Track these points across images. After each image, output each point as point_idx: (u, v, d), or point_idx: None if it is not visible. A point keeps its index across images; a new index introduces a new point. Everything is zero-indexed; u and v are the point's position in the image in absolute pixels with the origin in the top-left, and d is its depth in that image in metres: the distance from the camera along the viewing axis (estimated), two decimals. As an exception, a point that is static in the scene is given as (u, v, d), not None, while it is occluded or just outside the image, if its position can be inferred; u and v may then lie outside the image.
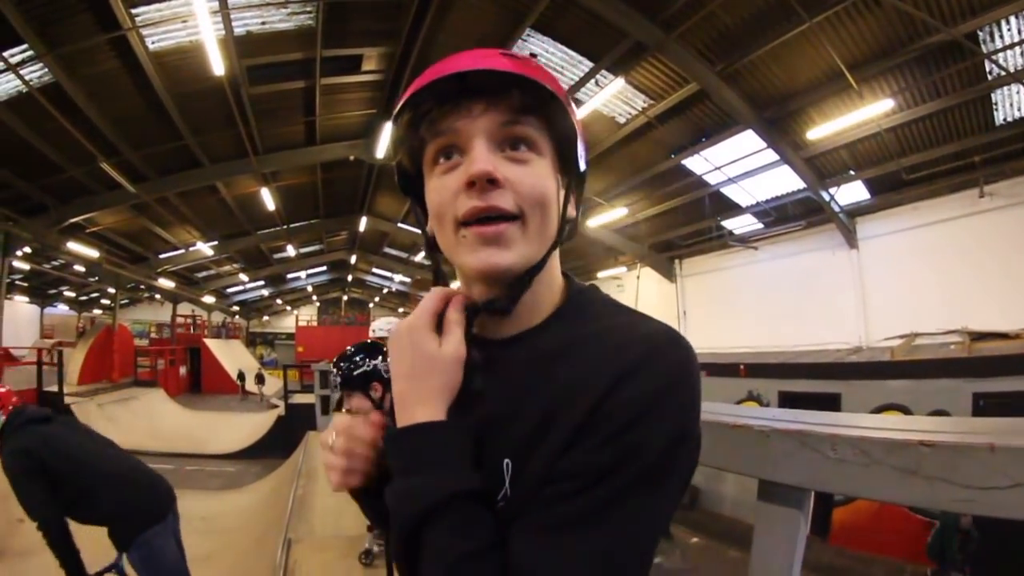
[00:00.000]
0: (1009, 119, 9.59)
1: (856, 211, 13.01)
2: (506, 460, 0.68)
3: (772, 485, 1.17)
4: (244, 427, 15.72)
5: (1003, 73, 8.64)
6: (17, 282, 26.69)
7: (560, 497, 0.62)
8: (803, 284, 14.07)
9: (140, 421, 15.94)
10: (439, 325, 0.74)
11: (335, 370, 3.04)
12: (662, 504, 0.63)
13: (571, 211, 0.80)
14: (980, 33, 8.30)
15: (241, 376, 25.47)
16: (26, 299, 31.06)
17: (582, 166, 0.79)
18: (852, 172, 12.04)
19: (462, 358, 0.72)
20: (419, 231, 0.84)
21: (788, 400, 10.47)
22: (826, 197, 12.44)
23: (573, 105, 0.75)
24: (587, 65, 10.84)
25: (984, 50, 8.46)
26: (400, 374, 0.72)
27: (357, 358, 2.97)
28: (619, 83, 10.44)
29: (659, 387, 0.63)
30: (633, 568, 0.61)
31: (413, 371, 0.70)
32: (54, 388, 13.76)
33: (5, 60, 9.14)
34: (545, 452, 0.65)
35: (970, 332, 10.16)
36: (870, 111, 9.55)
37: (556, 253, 0.78)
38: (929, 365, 9.24)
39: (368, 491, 0.80)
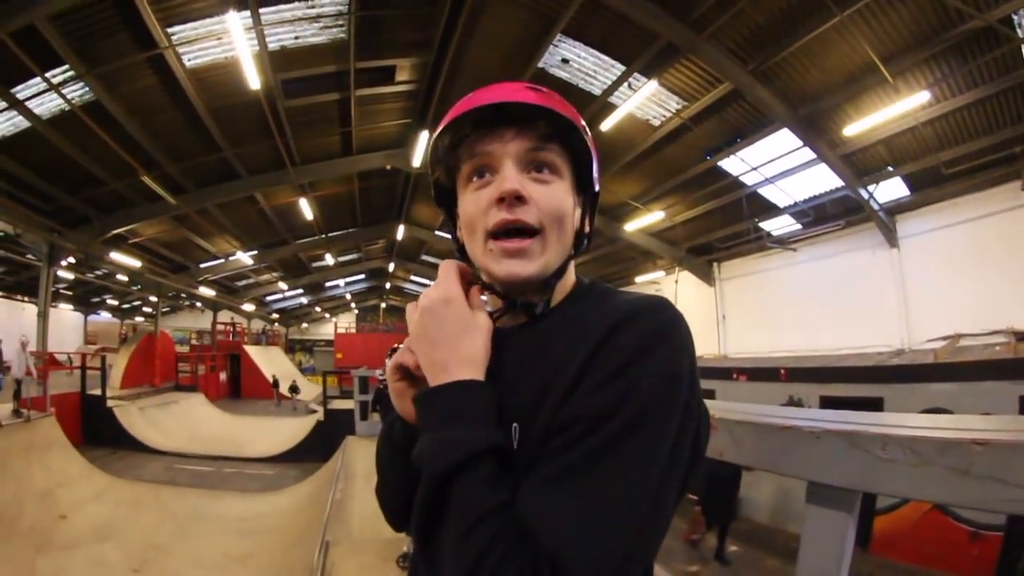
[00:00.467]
0: (1050, 107, 9.27)
1: (895, 209, 12.67)
2: (514, 424, 0.73)
3: (821, 487, 1.16)
4: (283, 431, 16.01)
5: (1042, 60, 8.36)
6: (62, 291, 27.60)
7: (558, 449, 0.66)
8: (843, 285, 13.75)
9: (180, 424, 16.35)
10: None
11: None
12: (659, 451, 0.65)
13: (586, 227, 0.89)
14: (1015, 17, 8.00)
15: (275, 382, 25.79)
16: (70, 307, 32.06)
17: (596, 187, 0.89)
18: (890, 168, 11.74)
19: (491, 330, 0.80)
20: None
21: (830, 404, 10.26)
22: (864, 195, 12.16)
23: (588, 132, 0.84)
24: (619, 69, 10.81)
25: (1020, 35, 8.18)
26: (436, 339, 0.76)
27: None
28: (652, 85, 10.39)
29: (646, 334, 0.69)
30: (631, 516, 0.63)
31: (452, 336, 0.76)
32: (98, 392, 14.18)
33: (48, 80, 9.50)
34: (545, 413, 0.70)
35: (1016, 332, 9.82)
36: (906, 104, 9.30)
37: (572, 268, 0.88)
38: (974, 367, 8.97)
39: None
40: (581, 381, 0.68)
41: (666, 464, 0.66)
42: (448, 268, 0.83)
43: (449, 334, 0.76)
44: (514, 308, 0.84)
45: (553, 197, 0.80)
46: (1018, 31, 8.16)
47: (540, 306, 0.83)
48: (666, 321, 0.72)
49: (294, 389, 25.53)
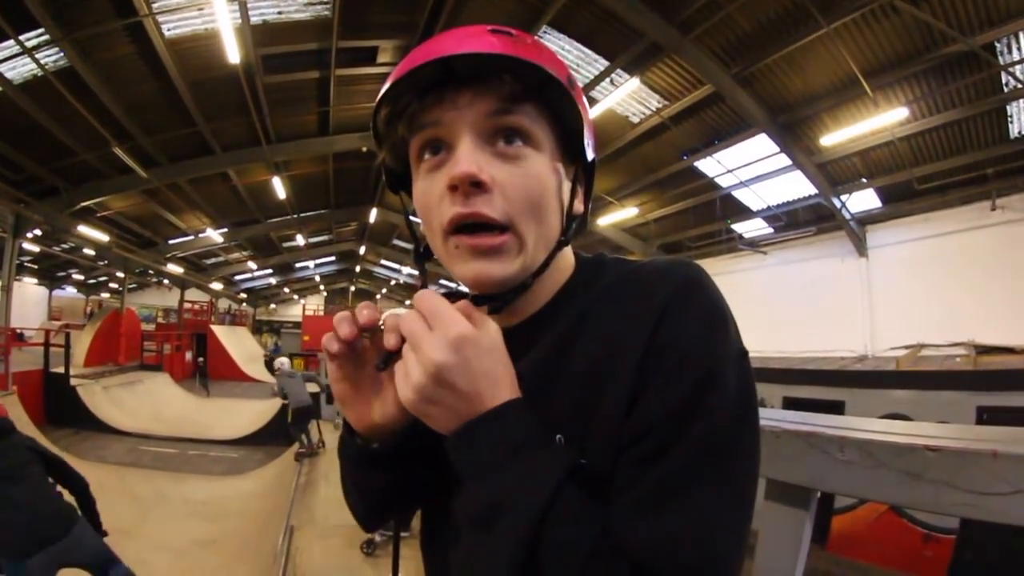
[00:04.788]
0: (1023, 132, 9.54)
1: (866, 219, 12.96)
2: (558, 436, 0.58)
3: (780, 485, 1.19)
4: (248, 414, 15.80)
5: (1019, 86, 8.59)
6: (26, 264, 26.82)
7: (639, 463, 0.55)
8: (811, 290, 14.02)
9: (145, 405, 16.04)
10: None
11: None
12: (754, 444, 0.57)
13: (578, 206, 0.71)
14: (998, 45, 8.26)
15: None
16: (35, 281, 31.22)
17: (589, 156, 0.70)
18: (864, 180, 12.00)
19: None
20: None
21: (792, 406, 10.42)
22: (837, 204, 12.40)
23: (577, 85, 0.66)
24: (603, 64, 10.83)
25: (1001, 62, 8.42)
26: (472, 381, 0.56)
27: None
28: (634, 83, 10.43)
29: (701, 315, 0.58)
30: (740, 527, 0.55)
31: (487, 368, 0.57)
32: (60, 369, 13.84)
33: (21, 44, 9.16)
34: (607, 411, 0.58)
35: (976, 345, 10.11)
36: (884, 119, 9.51)
37: (567, 249, 0.72)
38: (934, 376, 9.19)
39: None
40: (641, 384, 0.56)
41: (759, 451, 0.58)
42: (434, 298, 0.60)
43: (480, 378, 0.57)
44: (478, 304, 0.65)
45: (526, 178, 0.62)
46: (999, 58, 8.38)
47: (498, 304, 0.66)
48: (713, 292, 0.60)
49: None
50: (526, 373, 0.62)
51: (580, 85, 0.69)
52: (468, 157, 0.60)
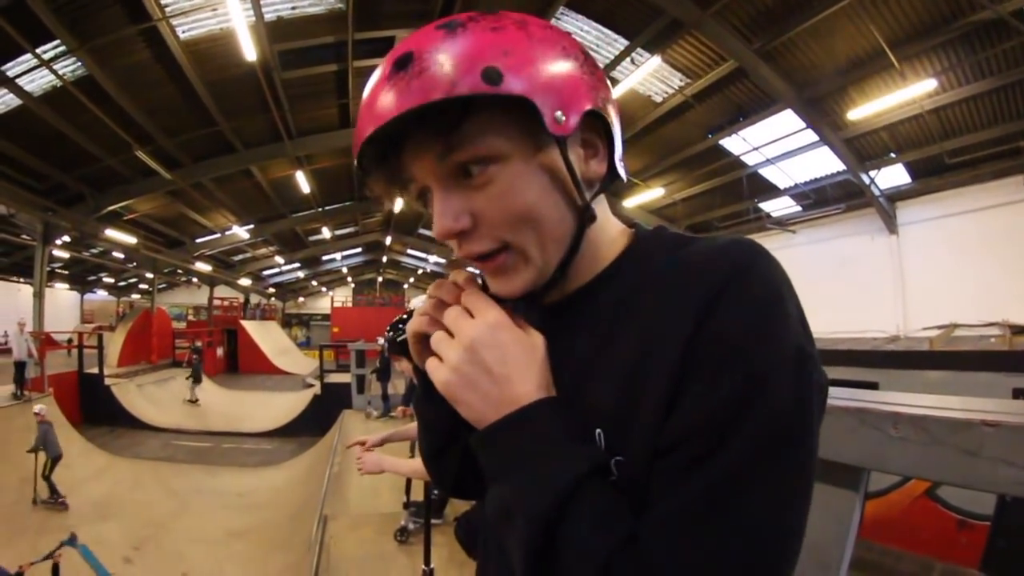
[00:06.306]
0: (1058, 102, 9.24)
1: (896, 195, 12.68)
2: (597, 431, 0.57)
3: (829, 464, 1.14)
4: (280, 406, 16.06)
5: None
6: (57, 270, 27.49)
7: (676, 474, 0.50)
8: (841, 269, 13.78)
9: (178, 401, 16.39)
10: None
11: (388, 332, 3.11)
12: (805, 462, 0.51)
13: (597, 168, 0.63)
14: (1027, 11, 7.98)
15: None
16: (66, 286, 31.98)
17: (586, 106, 0.58)
18: (893, 155, 11.73)
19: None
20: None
21: (824, 386, 10.31)
22: (866, 180, 12.15)
23: (507, 59, 0.53)
24: (623, 43, 10.69)
25: (1032, 28, 8.13)
26: (498, 375, 0.57)
27: (402, 326, 3.01)
28: (655, 61, 10.30)
29: (755, 307, 0.51)
30: (782, 551, 0.49)
31: (517, 364, 0.58)
32: (95, 370, 14.17)
33: (38, 56, 9.33)
34: (646, 412, 0.53)
35: (1011, 325, 9.87)
36: (912, 91, 9.28)
37: (604, 212, 0.66)
38: (968, 357, 8.99)
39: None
40: (683, 381, 0.51)
41: (811, 472, 0.52)
42: (470, 284, 0.64)
43: (512, 364, 0.57)
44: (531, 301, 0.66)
45: (502, 199, 0.58)
46: (1030, 25, 8.09)
47: (537, 294, 0.64)
48: (772, 278, 0.53)
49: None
50: (564, 360, 0.62)
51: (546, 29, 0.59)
52: (441, 211, 0.59)
